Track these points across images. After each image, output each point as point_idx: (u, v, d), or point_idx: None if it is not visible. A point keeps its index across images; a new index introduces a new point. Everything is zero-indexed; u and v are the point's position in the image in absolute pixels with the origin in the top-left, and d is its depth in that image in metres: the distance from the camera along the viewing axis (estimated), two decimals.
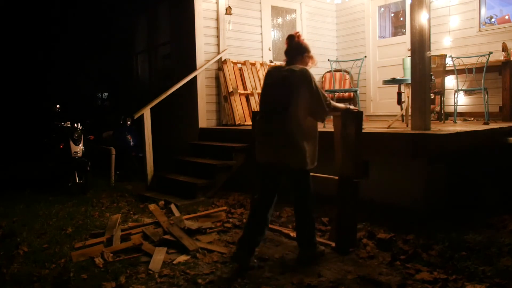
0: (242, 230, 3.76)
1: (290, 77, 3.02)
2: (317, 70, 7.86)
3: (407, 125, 4.81)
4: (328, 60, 5.58)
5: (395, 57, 7.14)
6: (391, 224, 3.71)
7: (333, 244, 3.42)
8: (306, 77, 3.01)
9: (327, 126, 5.36)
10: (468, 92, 5.91)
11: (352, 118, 3.35)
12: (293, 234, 3.78)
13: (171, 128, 7.01)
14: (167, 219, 4.26)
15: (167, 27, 7.60)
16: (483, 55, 5.24)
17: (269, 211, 3.16)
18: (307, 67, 3.18)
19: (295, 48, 3.17)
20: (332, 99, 6.57)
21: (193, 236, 3.77)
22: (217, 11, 6.59)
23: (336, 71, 7.26)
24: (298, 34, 3.23)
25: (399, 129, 4.48)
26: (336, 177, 3.50)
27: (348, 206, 3.38)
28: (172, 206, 4.69)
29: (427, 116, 4.15)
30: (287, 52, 3.22)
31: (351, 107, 3.42)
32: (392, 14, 7.82)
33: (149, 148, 5.78)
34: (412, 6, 4.15)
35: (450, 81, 6.41)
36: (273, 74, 3.19)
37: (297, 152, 3.00)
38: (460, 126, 4.77)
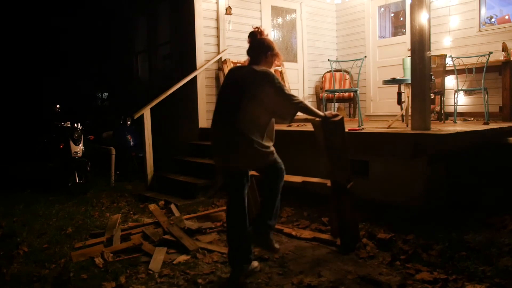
0: None
1: (250, 77, 2.80)
2: (317, 70, 7.87)
3: (407, 125, 4.81)
4: (328, 60, 5.58)
5: (395, 57, 7.14)
6: (391, 224, 3.71)
7: (338, 242, 3.43)
8: (268, 75, 2.79)
9: None
10: (468, 92, 5.91)
11: (334, 128, 3.14)
12: (294, 233, 3.78)
13: (171, 128, 7.01)
14: (167, 219, 4.25)
15: (167, 27, 7.60)
16: (483, 55, 5.24)
17: (245, 214, 2.90)
18: (273, 66, 2.99)
19: (258, 46, 2.92)
20: (332, 99, 6.61)
21: (193, 236, 3.77)
22: (217, 11, 6.59)
23: (336, 71, 7.26)
24: (260, 30, 2.99)
25: (399, 129, 4.48)
26: (328, 183, 3.42)
27: (345, 210, 3.32)
28: (172, 206, 4.69)
29: (427, 116, 4.15)
30: (249, 51, 2.96)
31: (328, 113, 3.13)
32: (392, 14, 7.82)
33: (149, 148, 5.78)
34: (412, 6, 4.15)
35: (450, 81, 6.41)
36: (233, 73, 2.97)
37: (255, 154, 2.75)
38: (460, 126, 4.77)
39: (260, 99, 2.75)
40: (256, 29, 2.98)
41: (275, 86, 2.77)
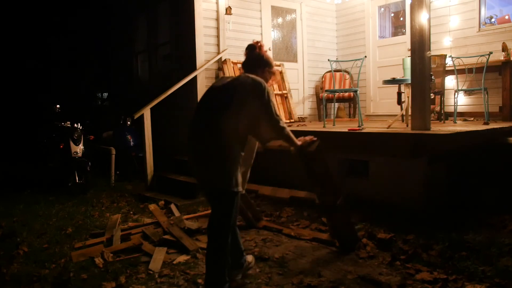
0: (242, 230, 3.76)
1: (238, 85, 2.51)
2: (317, 70, 7.87)
3: (407, 125, 4.81)
4: (328, 60, 5.58)
5: (395, 57, 7.14)
6: (391, 224, 3.71)
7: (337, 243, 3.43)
8: (259, 86, 2.50)
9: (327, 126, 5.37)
10: (468, 92, 5.91)
11: (312, 156, 2.91)
12: (293, 233, 3.78)
13: (171, 128, 7.01)
14: (167, 219, 4.25)
15: (167, 27, 7.60)
16: (483, 55, 5.24)
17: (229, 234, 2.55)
18: (267, 83, 2.66)
19: (255, 60, 2.70)
20: (332, 99, 6.61)
21: (193, 236, 3.77)
22: (217, 11, 6.59)
23: (336, 71, 7.26)
24: (259, 44, 2.75)
25: (399, 129, 4.48)
26: (317, 200, 3.34)
27: (337, 223, 3.28)
28: (172, 206, 4.69)
29: (427, 116, 4.15)
30: (245, 64, 2.76)
31: (303, 140, 2.84)
32: (392, 14, 7.82)
33: (149, 148, 5.78)
34: (412, 6, 4.15)
35: (450, 81, 6.41)
36: (217, 82, 2.69)
37: (220, 169, 2.43)
38: (460, 126, 4.77)
39: (241, 110, 2.45)
40: (256, 43, 2.77)
41: (263, 100, 2.48)
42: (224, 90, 2.54)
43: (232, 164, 2.44)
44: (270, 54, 6.82)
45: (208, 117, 2.51)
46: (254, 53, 2.73)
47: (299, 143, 2.79)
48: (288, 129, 2.66)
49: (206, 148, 2.46)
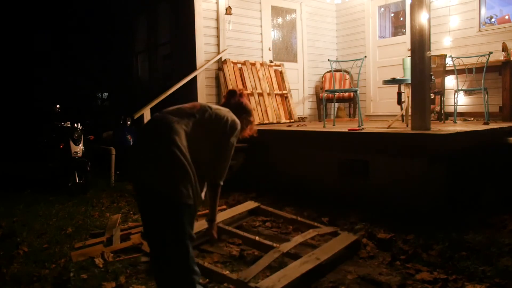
0: (242, 230, 3.76)
1: (216, 109, 2.31)
2: (317, 70, 7.87)
3: (407, 125, 4.81)
4: (328, 60, 5.58)
5: (395, 57, 7.15)
6: (391, 224, 3.70)
7: None
8: (235, 125, 2.33)
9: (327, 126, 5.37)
10: (468, 92, 5.92)
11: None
12: (293, 234, 3.78)
13: None
14: None
15: (167, 27, 7.61)
16: (483, 55, 5.24)
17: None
18: (242, 132, 2.51)
19: (234, 106, 2.53)
20: (332, 99, 6.61)
21: None
22: (217, 11, 6.60)
23: (336, 71, 7.26)
24: (241, 92, 2.62)
25: (399, 129, 4.48)
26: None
27: None
28: None
29: (427, 116, 4.16)
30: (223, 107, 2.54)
31: (213, 233, 2.49)
32: (392, 14, 7.82)
33: None
34: (412, 6, 4.15)
35: (450, 81, 6.41)
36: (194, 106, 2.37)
37: (170, 173, 2.03)
38: (460, 126, 4.77)
39: (212, 131, 2.25)
40: (239, 90, 2.65)
41: (230, 139, 2.30)
42: (196, 107, 2.32)
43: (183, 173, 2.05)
44: (270, 53, 6.78)
45: (166, 120, 2.22)
46: (234, 98, 2.59)
47: (215, 219, 2.47)
48: (219, 190, 2.37)
49: (156, 148, 2.09)
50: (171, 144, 2.04)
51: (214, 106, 2.36)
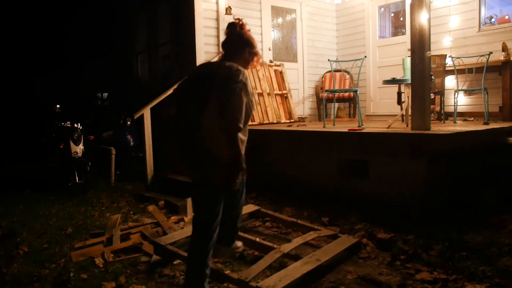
0: (242, 230, 3.76)
1: (217, 73, 2.31)
2: (317, 70, 7.87)
3: (407, 125, 4.81)
4: (328, 60, 5.58)
5: (395, 57, 7.14)
6: (391, 224, 3.70)
7: None
8: (235, 74, 2.26)
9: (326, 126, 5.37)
10: (468, 92, 5.91)
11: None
12: (293, 234, 3.78)
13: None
14: (167, 219, 4.26)
15: (167, 27, 7.60)
16: (483, 55, 5.24)
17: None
18: (250, 67, 2.53)
19: (236, 39, 2.46)
20: (332, 99, 6.61)
21: None
22: (217, 11, 6.60)
23: (336, 71, 7.26)
24: (241, 22, 2.50)
25: (399, 129, 4.48)
26: None
27: None
28: (188, 203, 4.61)
29: (427, 116, 4.15)
30: (224, 43, 2.50)
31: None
32: (392, 14, 7.82)
33: (149, 148, 5.78)
34: (412, 6, 4.15)
35: (450, 81, 6.41)
36: (199, 69, 2.55)
37: (205, 164, 2.34)
38: (460, 126, 4.77)
39: (215, 101, 2.27)
40: (237, 21, 2.51)
41: (232, 87, 2.23)
42: (202, 83, 2.35)
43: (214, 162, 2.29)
44: (270, 53, 6.74)
45: (191, 117, 2.34)
46: (235, 31, 2.48)
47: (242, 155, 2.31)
48: (239, 138, 2.25)
49: (195, 148, 2.34)
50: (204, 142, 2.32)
51: (215, 71, 2.34)
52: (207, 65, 2.63)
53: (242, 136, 2.29)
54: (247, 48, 2.46)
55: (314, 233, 3.50)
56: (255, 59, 2.51)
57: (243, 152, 2.28)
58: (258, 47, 2.65)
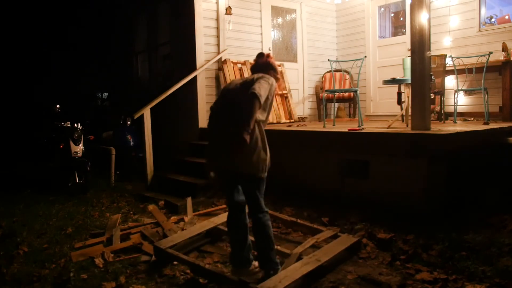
0: None
1: (249, 80, 2.85)
2: (317, 70, 7.87)
3: (407, 125, 4.81)
4: (328, 60, 5.58)
5: (395, 57, 7.14)
6: (391, 224, 3.71)
7: None
8: (265, 75, 2.85)
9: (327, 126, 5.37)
10: (468, 92, 5.91)
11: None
12: (293, 234, 3.78)
13: (171, 128, 7.01)
14: (167, 219, 4.26)
15: (167, 27, 7.61)
16: (483, 55, 5.24)
17: (242, 214, 3.04)
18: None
19: (263, 63, 3.04)
20: (332, 99, 6.61)
21: None
22: (217, 11, 6.59)
23: (336, 71, 7.26)
24: (269, 54, 3.12)
25: (399, 129, 4.48)
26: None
27: None
28: (188, 203, 4.64)
29: (427, 116, 4.15)
30: (253, 67, 3.08)
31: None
32: (392, 14, 7.82)
33: (149, 148, 5.78)
34: (412, 6, 4.15)
35: (450, 81, 6.41)
36: (233, 82, 3.06)
37: (247, 157, 2.83)
38: (460, 126, 4.77)
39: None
40: (267, 54, 3.12)
41: (261, 80, 2.77)
42: (244, 85, 2.84)
43: (254, 154, 2.88)
44: (270, 53, 6.81)
45: (231, 113, 2.80)
46: (262, 59, 3.06)
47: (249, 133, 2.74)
48: (257, 117, 2.80)
49: (232, 146, 2.75)
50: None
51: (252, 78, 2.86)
52: (240, 79, 3.09)
53: (260, 116, 2.83)
54: (271, 71, 3.01)
55: (312, 239, 3.46)
56: (277, 83, 3.01)
57: (252, 126, 2.73)
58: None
